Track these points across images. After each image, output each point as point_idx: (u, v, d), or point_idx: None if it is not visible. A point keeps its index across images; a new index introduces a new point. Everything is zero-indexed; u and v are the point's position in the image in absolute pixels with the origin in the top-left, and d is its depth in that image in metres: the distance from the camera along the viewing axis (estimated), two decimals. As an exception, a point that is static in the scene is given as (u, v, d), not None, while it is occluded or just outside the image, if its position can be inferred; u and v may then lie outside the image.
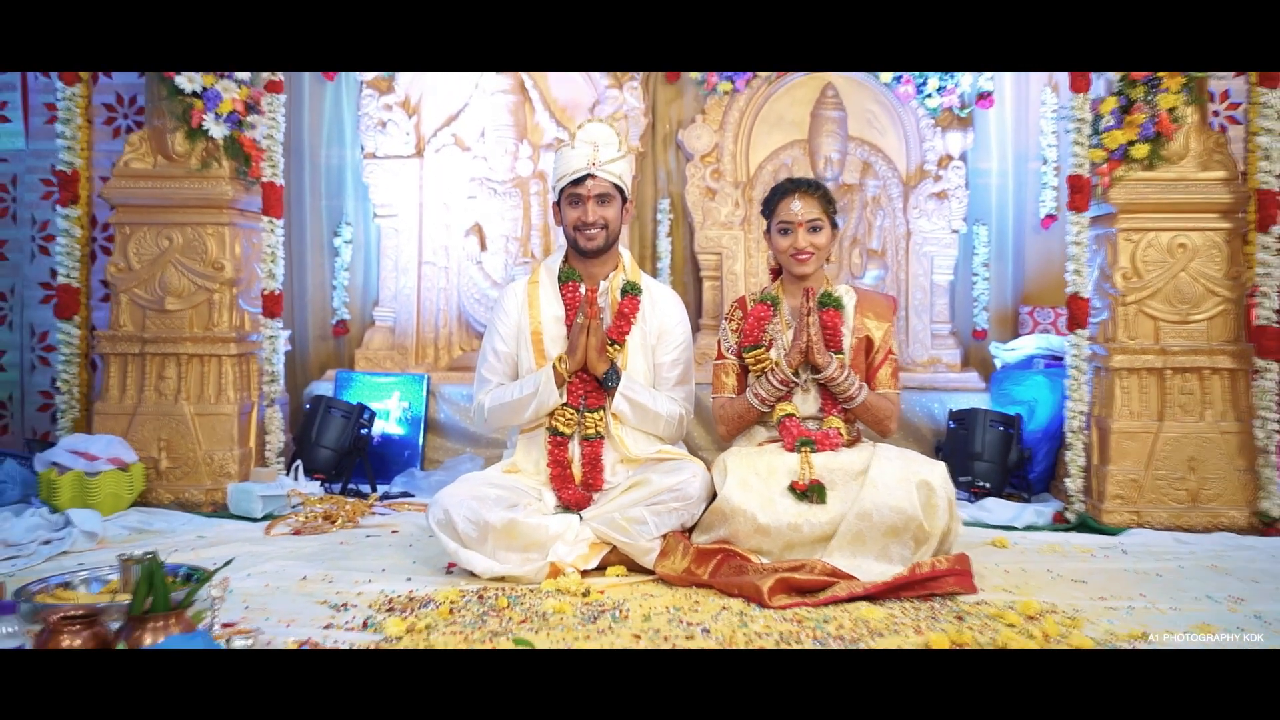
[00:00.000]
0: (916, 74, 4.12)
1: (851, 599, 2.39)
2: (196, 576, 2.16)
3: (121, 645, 1.88)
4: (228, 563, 2.14)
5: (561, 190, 2.81)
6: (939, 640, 2.09)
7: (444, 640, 2.10)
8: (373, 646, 2.07)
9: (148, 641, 1.85)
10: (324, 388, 4.06)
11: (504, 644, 2.10)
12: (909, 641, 2.12)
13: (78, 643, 1.89)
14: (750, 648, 2.06)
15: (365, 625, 2.24)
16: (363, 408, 3.80)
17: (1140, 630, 2.22)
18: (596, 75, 4.24)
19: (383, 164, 4.26)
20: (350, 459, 3.71)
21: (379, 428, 3.93)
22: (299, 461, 3.62)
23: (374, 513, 3.37)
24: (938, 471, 2.57)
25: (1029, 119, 4.21)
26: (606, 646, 2.08)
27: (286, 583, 2.57)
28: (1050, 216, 4.14)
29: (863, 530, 2.50)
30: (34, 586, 2.28)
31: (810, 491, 2.58)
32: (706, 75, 4.20)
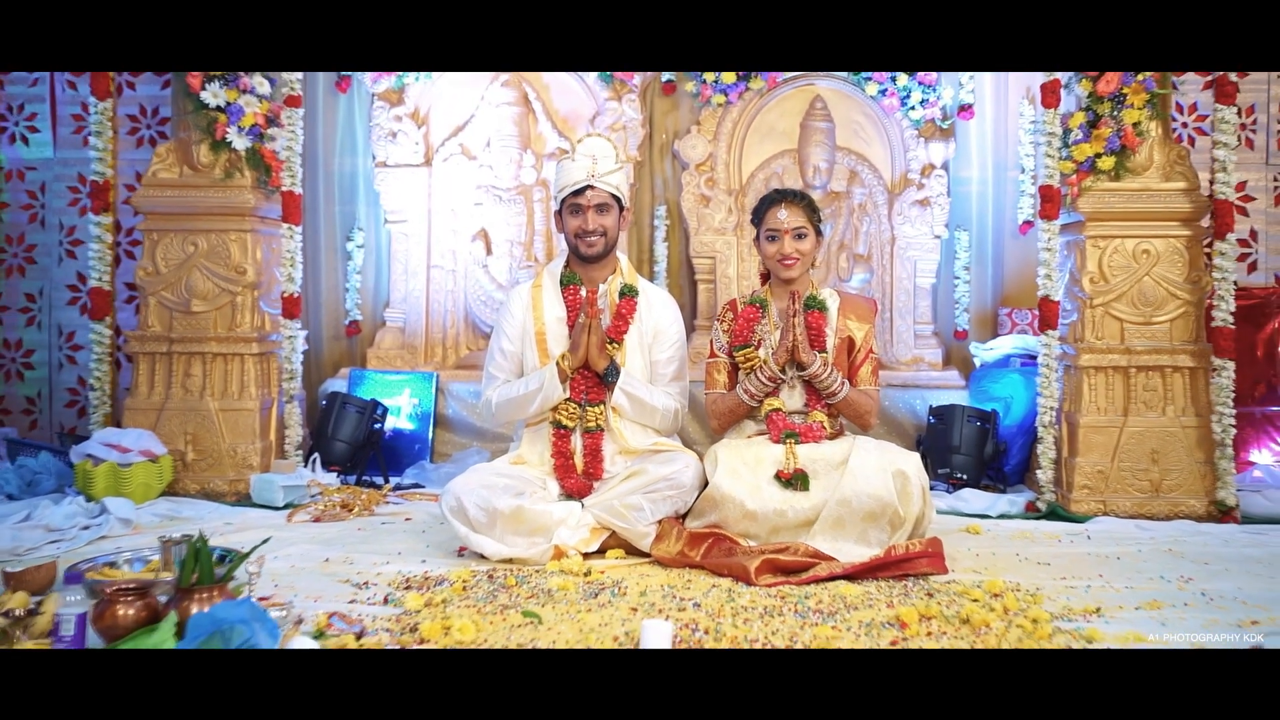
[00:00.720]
0: (901, 87, 4.33)
1: (832, 578, 2.60)
2: (230, 557, 2.37)
3: (172, 614, 2.09)
4: (265, 540, 2.35)
5: (563, 200, 3.02)
6: (909, 613, 2.28)
7: (459, 613, 2.31)
8: (394, 619, 2.28)
9: (194, 610, 2.06)
10: (338, 385, 4.26)
11: (514, 617, 2.30)
12: (882, 615, 2.33)
13: (131, 612, 2.10)
14: (741, 632, 2.24)
15: (386, 600, 2.44)
16: (376, 404, 4.01)
17: (1094, 605, 2.43)
18: (596, 87, 4.45)
19: (393, 172, 4.47)
20: (364, 452, 3.93)
21: (391, 423, 4.13)
22: (316, 454, 3.84)
23: (388, 502, 3.59)
24: (912, 461, 2.79)
25: (1008, 130, 4.41)
26: (607, 618, 2.29)
27: (310, 564, 2.78)
28: (1028, 223, 4.35)
29: (843, 515, 2.72)
30: (83, 565, 2.50)
31: (794, 480, 2.79)
32: (701, 88, 4.41)
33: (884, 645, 2.11)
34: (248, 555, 2.27)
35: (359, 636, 2.12)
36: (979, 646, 2.11)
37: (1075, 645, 2.13)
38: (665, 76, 4.47)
